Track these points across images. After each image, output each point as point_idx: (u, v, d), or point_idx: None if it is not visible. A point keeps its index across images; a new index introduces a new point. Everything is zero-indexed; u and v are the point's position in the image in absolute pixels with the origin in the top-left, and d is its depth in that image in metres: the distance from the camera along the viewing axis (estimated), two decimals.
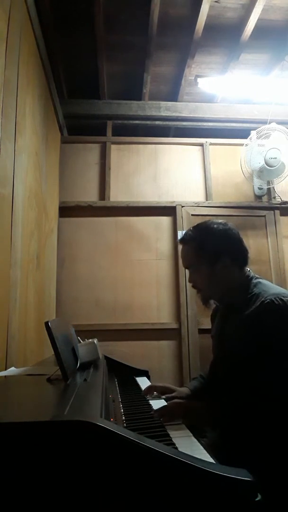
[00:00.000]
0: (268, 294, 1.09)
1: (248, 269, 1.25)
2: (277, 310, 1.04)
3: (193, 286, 1.29)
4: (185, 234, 1.28)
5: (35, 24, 1.97)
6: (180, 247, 1.31)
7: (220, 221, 1.27)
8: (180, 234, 2.90)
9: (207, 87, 2.82)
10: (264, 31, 2.51)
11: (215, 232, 1.23)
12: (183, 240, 1.28)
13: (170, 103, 3.20)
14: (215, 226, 1.24)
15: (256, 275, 1.23)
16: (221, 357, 1.27)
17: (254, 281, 1.20)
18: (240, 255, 1.23)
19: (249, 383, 1.05)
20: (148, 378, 1.69)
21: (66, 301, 2.78)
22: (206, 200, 3.06)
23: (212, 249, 1.20)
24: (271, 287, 1.15)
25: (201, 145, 3.19)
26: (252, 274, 1.23)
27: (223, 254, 1.20)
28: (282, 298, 1.06)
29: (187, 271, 1.31)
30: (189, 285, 2.80)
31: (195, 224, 1.31)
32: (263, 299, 1.08)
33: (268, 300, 1.07)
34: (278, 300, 1.06)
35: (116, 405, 1.15)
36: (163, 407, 1.05)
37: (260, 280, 1.21)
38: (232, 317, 1.21)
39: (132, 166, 3.11)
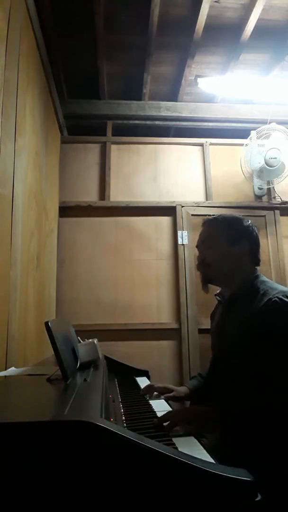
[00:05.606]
0: (275, 292, 1.10)
1: (257, 269, 1.27)
2: (283, 308, 1.05)
3: (199, 264, 1.31)
4: (210, 217, 1.34)
5: (35, 24, 1.97)
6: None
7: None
8: (180, 234, 2.90)
9: (207, 87, 2.83)
10: (264, 31, 2.51)
11: (244, 221, 1.31)
12: (208, 220, 1.33)
13: (170, 103, 3.20)
14: (243, 218, 1.33)
15: (262, 275, 1.24)
16: (221, 354, 1.26)
17: (260, 279, 1.21)
18: (257, 251, 1.28)
19: (249, 380, 1.05)
20: (148, 378, 1.69)
21: (66, 301, 2.78)
22: (206, 200, 3.06)
23: (238, 230, 1.27)
24: (277, 286, 1.16)
25: (201, 145, 3.19)
26: (258, 273, 1.25)
27: (245, 239, 1.26)
28: None
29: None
30: (189, 285, 2.87)
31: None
32: (270, 296, 1.09)
33: (275, 298, 1.07)
34: (285, 298, 1.06)
35: (116, 405, 1.15)
36: (165, 414, 0.95)
37: (266, 279, 1.22)
38: (233, 314, 1.21)
39: (132, 166, 3.11)
